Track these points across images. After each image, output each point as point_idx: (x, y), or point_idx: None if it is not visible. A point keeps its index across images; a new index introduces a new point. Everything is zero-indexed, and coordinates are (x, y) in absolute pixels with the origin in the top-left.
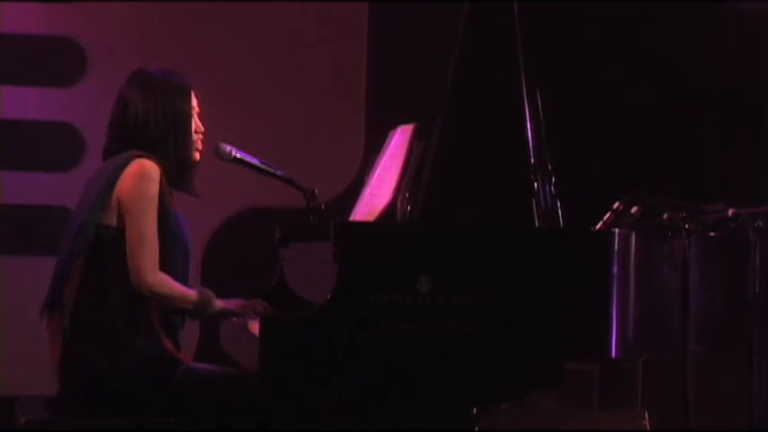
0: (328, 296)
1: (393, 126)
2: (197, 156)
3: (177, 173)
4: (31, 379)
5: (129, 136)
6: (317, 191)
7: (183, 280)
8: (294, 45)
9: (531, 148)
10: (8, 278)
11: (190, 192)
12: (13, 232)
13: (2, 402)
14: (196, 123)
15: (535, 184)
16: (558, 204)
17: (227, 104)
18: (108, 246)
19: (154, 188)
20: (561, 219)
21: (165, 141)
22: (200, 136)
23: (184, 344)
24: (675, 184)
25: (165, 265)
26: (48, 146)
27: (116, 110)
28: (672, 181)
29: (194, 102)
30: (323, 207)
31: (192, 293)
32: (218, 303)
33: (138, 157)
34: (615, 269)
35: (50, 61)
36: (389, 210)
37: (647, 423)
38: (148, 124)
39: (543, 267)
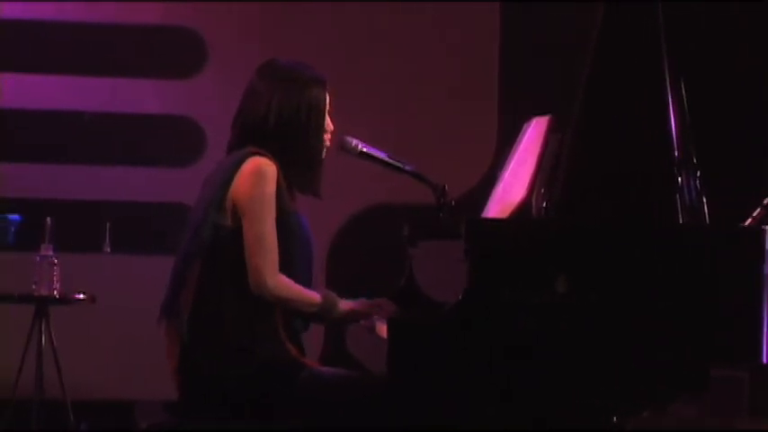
0: (459, 296)
1: (527, 118)
2: (324, 154)
3: (303, 170)
4: (149, 383)
5: (256, 129)
6: (447, 186)
7: (308, 282)
8: (427, 42)
9: (675, 141)
10: (126, 277)
11: (314, 193)
12: (131, 230)
13: (121, 406)
14: (327, 121)
15: (679, 179)
16: (704, 200)
17: (356, 100)
18: (225, 247)
19: (270, 187)
20: (707, 215)
21: (295, 134)
22: (329, 135)
23: (309, 348)
24: None
25: (286, 268)
26: (167, 140)
27: (245, 101)
28: None
29: (327, 98)
30: (453, 203)
31: (314, 296)
32: (344, 305)
33: (255, 154)
34: (766, 268)
35: (170, 52)
36: (524, 206)
37: None
38: (281, 115)
39: (688, 266)
